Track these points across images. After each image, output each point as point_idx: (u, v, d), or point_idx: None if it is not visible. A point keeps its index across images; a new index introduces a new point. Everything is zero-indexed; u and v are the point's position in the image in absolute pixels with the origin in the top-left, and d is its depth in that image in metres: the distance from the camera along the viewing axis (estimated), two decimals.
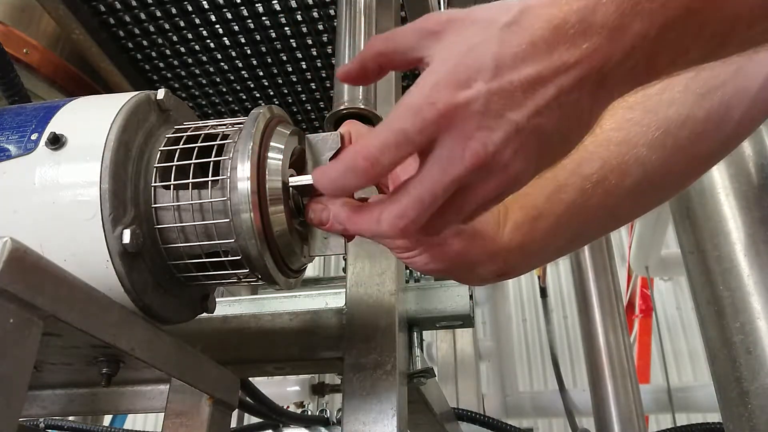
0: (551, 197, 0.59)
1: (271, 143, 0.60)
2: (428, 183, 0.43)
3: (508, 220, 0.58)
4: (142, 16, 1.24)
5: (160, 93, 0.63)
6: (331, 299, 0.87)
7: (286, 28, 1.26)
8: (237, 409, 0.92)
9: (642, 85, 0.43)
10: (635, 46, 0.39)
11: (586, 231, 0.64)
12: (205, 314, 0.69)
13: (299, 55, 1.33)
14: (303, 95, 1.46)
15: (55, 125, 0.57)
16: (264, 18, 1.24)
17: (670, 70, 0.42)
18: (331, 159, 0.59)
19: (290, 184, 0.59)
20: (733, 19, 0.39)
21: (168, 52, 1.33)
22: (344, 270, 0.96)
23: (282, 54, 1.33)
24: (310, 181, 0.56)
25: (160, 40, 1.30)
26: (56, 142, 0.55)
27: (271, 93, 1.45)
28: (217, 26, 1.26)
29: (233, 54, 1.33)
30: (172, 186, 0.58)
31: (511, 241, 0.58)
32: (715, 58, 0.43)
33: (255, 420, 1.72)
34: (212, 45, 1.31)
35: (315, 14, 1.23)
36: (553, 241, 0.61)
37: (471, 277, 0.61)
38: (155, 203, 0.58)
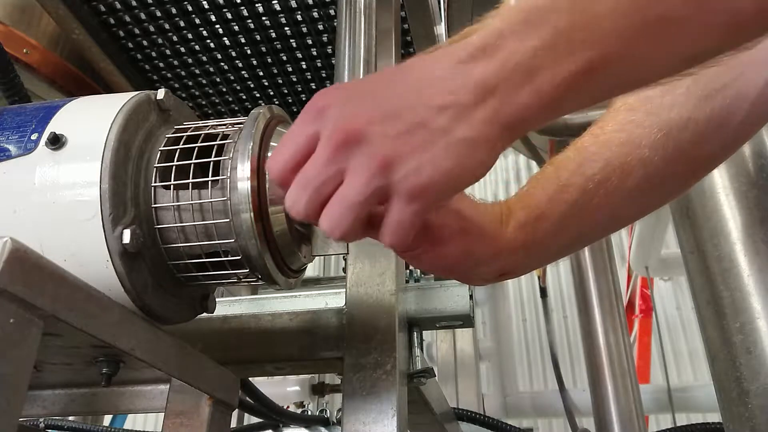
0: (554, 197, 0.59)
1: (271, 143, 0.60)
2: (306, 169, 0.47)
3: (511, 219, 0.59)
4: (142, 16, 1.24)
5: (160, 93, 0.63)
6: (331, 299, 0.87)
7: (286, 28, 1.26)
8: (237, 409, 0.92)
9: (533, 119, 0.45)
10: (508, 60, 0.43)
11: (588, 231, 0.64)
12: (205, 314, 0.69)
13: (299, 55, 1.33)
14: (303, 95, 1.46)
15: (55, 125, 0.57)
16: (264, 18, 1.24)
17: (552, 97, 0.44)
18: None
19: None
20: (599, 37, 0.42)
21: (168, 52, 1.33)
22: (344, 270, 0.96)
23: (282, 54, 1.33)
24: None
25: (160, 40, 1.30)
26: (56, 142, 0.55)
27: (271, 93, 1.45)
28: (217, 26, 1.26)
29: (233, 54, 1.33)
30: (172, 186, 0.58)
31: (514, 240, 0.58)
32: (595, 94, 0.46)
33: (255, 420, 1.72)
34: (212, 45, 1.31)
35: (315, 14, 1.23)
36: (555, 241, 0.61)
37: (473, 277, 0.61)
38: (155, 203, 0.58)
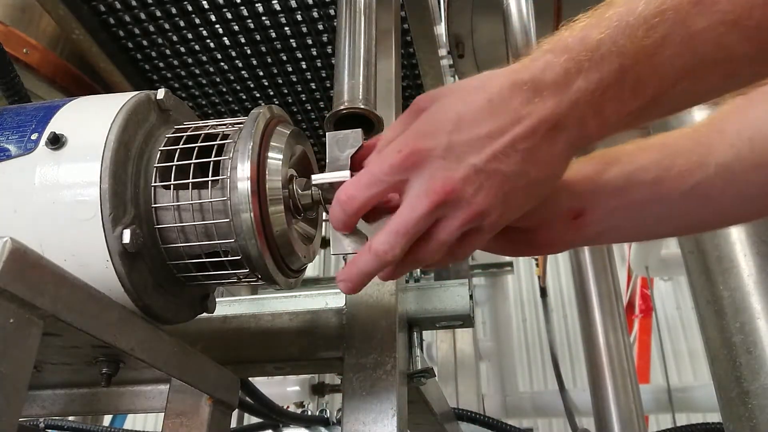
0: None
1: (271, 143, 0.60)
2: (401, 218, 0.51)
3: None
4: (142, 16, 1.24)
5: (160, 93, 0.63)
6: (331, 299, 0.87)
7: (286, 28, 1.26)
8: (237, 409, 0.92)
9: (598, 140, 0.50)
10: (579, 99, 0.46)
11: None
12: (205, 314, 0.69)
13: (299, 55, 1.33)
14: (303, 95, 1.46)
15: (55, 125, 0.57)
16: (264, 18, 1.24)
17: (617, 126, 0.48)
18: (352, 157, 0.59)
19: (314, 181, 0.59)
20: (661, 76, 0.46)
21: (168, 52, 1.33)
22: None
23: (282, 54, 1.33)
24: (333, 179, 0.57)
25: (160, 40, 1.30)
26: (56, 141, 0.55)
27: (271, 93, 1.45)
28: (217, 26, 1.26)
29: (233, 54, 1.33)
30: (172, 186, 0.58)
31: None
32: (652, 118, 0.50)
33: (255, 420, 1.72)
34: (212, 45, 1.31)
35: (315, 14, 1.23)
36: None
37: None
38: (155, 203, 0.58)
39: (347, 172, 0.58)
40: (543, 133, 0.47)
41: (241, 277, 0.61)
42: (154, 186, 0.58)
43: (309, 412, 2.07)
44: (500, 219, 0.51)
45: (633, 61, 0.45)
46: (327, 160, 0.61)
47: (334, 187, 0.58)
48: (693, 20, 0.43)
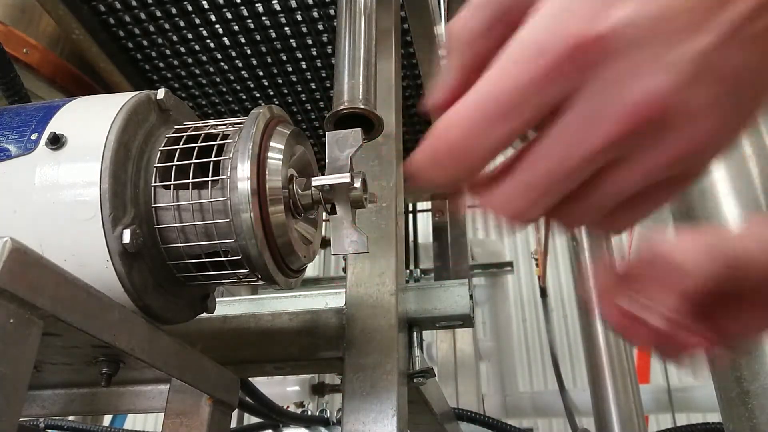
0: None
1: (271, 143, 0.60)
2: (558, 154, 0.28)
3: None
4: (142, 16, 1.24)
5: (160, 93, 0.63)
6: (331, 299, 0.87)
7: (286, 28, 1.26)
8: (237, 409, 0.92)
9: None
10: None
11: None
12: (205, 314, 0.69)
13: (299, 55, 1.33)
14: (303, 95, 1.46)
15: (55, 125, 0.57)
16: (264, 18, 1.24)
17: None
18: (352, 156, 0.60)
19: (315, 183, 0.59)
20: None
21: (168, 52, 1.33)
22: (344, 270, 0.96)
23: (282, 54, 1.33)
24: (334, 181, 0.57)
25: (160, 40, 1.30)
26: (56, 142, 0.55)
27: (271, 93, 1.45)
28: (217, 26, 1.26)
29: (233, 54, 1.33)
30: (172, 186, 0.58)
31: None
32: None
33: (255, 420, 1.72)
34: (212, 45, 1.31)
35: (315, 14, 1.23)
36: None
37: None
38: (155, 203, 0.58)
39: (347, 174, 0.58)
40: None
41: (241, 277, 0.61)
42: (154, 186, 0.58)
43: (309, 412, 2.07)
44: (719, 150, 0.29)
45: None
46: (327, 160, 0.61)
47: (334, 188, 0.58)
48: None
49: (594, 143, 0.27)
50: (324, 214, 0.66)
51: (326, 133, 0.62)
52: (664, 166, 0.29)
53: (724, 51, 0.26)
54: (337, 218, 0.60)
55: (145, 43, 1.30)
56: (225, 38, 1.29)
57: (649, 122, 0.27)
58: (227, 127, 0.62)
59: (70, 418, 1.54)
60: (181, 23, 1.25)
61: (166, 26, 1.26)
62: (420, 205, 2.15)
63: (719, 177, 0.91)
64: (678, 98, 0.26)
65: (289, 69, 1.37)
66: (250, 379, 1.24)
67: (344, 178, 0.57)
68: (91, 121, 0.57)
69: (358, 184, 0.59)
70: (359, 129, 0.61)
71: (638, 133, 0.27)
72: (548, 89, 0.27)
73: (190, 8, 1.22)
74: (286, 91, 1.44)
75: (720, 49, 0.26)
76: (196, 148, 0.59)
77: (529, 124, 0.28)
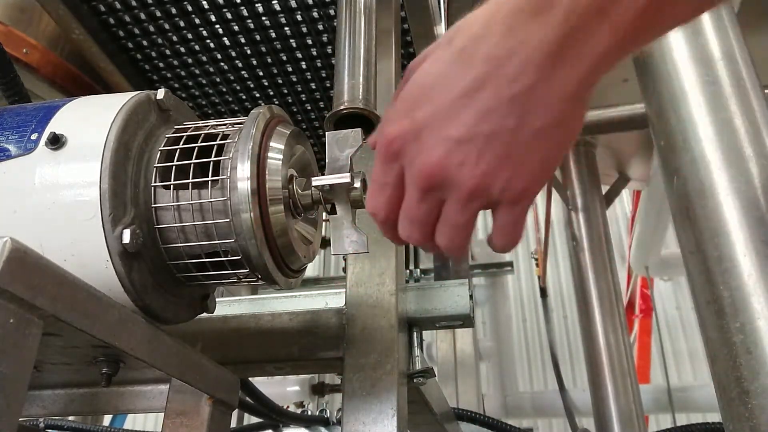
0: None
1: (271, 143, 0.60)
2: (403, 208, 0.47)
3: None
4: (142, 16, 1.24)
5: (160, 93, 0.63)
6: (331, 299, 0.87)
7: (286, 28, 1.26)
8: (237, 409, 0.92)
9: (614, 60, 0.39)
10: (577, 8, 0.36)
11: None
12: (205, 314, 0.69)
13: (299, 55, 1.33)
14: (303, 95, 1.46)
15: (55, 125, 0.57)
16: (264, 18, 1.24)
17: (633, 31, 0.38)
18: (352, 156, 0.60)
19: (315, 183, 0.59)
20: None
21: (168, 52, 1.33)
22: (344, 270, 0.96)
23: (282, 54, 1.33)
24: (334, 181, 0.57)
25: (160, 40, 1.30)
26: (56, 142, 0.55)
27: (271, 93, 1.45)
28: (217, 26, 1.26)
29: (233, 54, 1.33)
30: (172, 186, 0.58)
31: None
32: (672, 21, 0.40)
33: (255, 420, 1.72)
34: (212, 45, 1.31)
35: (315, 14, 1.23)
36: None
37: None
38: (155, 203, 0.58)
39: (347, 174, 0.58)
40: (534, 68, 0.37)
41: (241, 277, 0.61)
42: (154, 186, 0.58)
43: (309, 412, 2.07)
44: (516, 184, 0.41)
45: None
46: (327, 160, 0.61)
47: (334, 188, 0.58)
48: None
49: (415, 197, 0.45)
50: (324, 214, 0.66)
51: (326, 133, 0.63)
52: (464, 205, 0.43)
53: (471, 131, 0.40)
54: (337, 218, 0.60)
55: (145, 43, 1.30)
56: (225, 38, 1.29)
57: (432, 185, 0.43)
58: (227, 127, 0.62)
59: (70, 418, 1.54)
60: (181, 23, 1.25)
61: (166, 26, 1.26)
62: None
63: (719, 177, 0.91)
64: (441, 169, 0.42)
65: (289, 69, 1.37)
66: (250, 379, 1.24)
67: (344, 178, 0.57)
68: (91, 121, 0.57)
69: (357, 184, 0.59)
70: (359, 129, 0.61)
71: (431, 191, 0.44)
72: (388, 177, 0.46)
73: (190, 8, 1.22)
74: (286, 91, 1.44)
75: (468, 131, 0.40)
76: (196, 148, 0.59)
77: (395, 191, 0.46)
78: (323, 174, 0.61)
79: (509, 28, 0.38)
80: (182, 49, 1.32)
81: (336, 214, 0.60)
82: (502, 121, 0.39)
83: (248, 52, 1.32)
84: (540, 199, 2.57)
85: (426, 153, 0.42)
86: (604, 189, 2.39)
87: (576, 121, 0.41)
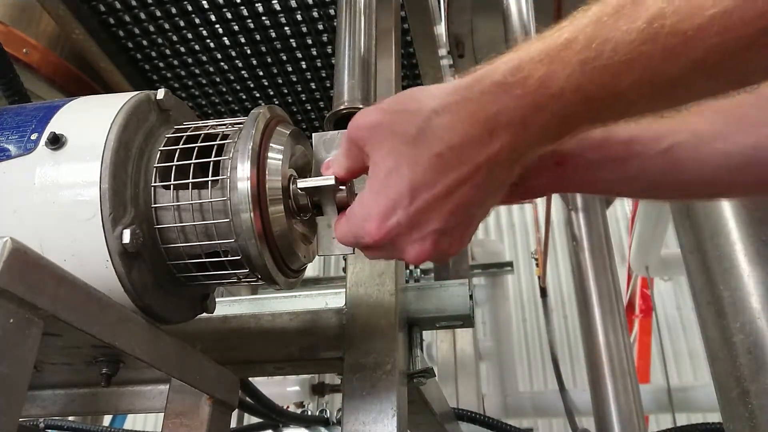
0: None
1: (271, 143, 0.60)
2: (382, 256, 0.56)
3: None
4: (142, 16, 1.24)
5: (160, 93, 0.63)
6: (331, 299, 0.87)
7: (286, 28, 1.26)
8: (237, 409, 0.92)
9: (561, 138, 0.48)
10: (536, 132, 0.45)
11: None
12: (205, 314, 0.69)
13: (299, 55, 1.33)
14: (303, 95, 1.46)
15: (55, 125, 0.57)
16: (264, 18, 1.24)
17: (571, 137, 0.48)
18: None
19: (300, 186, 0.59)
20: (627, 104, 0.44)
21: (168, 52, 1.33)
22: (344, 270, 0.96)
23: (282, 54, 1.33)
24: (319, 183, 0.56)
25: (160, 40, 1.30)
26: (56, 141, 0.55)
27: (271, 93, 1.45)
28: (217, 26, 1.26)
29: (233, 54, 1.33)
30: (172, 186, 0.58)
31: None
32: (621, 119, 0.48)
33: (255, 420, 1.72)
34: (212, 45, 1.31)
35: (315, 14, 1.23)
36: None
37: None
38: (155, 203, 0.58)
39: (332, 178, 0.57)
40: (500, 165, 0.47)
41: (241, 277, 0.61)
42: (154, 186, 0.58)
43: (309, 412, 2.07)
44: (457, 248, 0.53)
45: (599, 101, 0.43)
46: (313, 162, 0.61)
47: (320, 190, 0.58)
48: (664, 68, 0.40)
49: (406, 260, 0.54)
50: None
51: (312, 134, 0.62)
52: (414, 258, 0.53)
53: (453, 219, 0.50)
54: (324, 220, 0.60)
55: (145, 43, 1.30)
56: (225, 38, 1.29)
57: (422, 260, 0.52)
58: (227, 127, 0.62)
59: (70, 418, 1.54)
60: (181, 23, 1.25)
61: (166, 26, 1.26)
62: None
63: None
64: (432, 251, 0.51)
65: (289, 69, 1.37)
66: (250, 379, 1.24)
67: (329, 180, 0.57)
68: (91, 121, 0.57)
69: (343, 185, 0.58)
70: (345, 130, 0.61)
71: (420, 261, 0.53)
72: (381, 253, 0.56)
73: (190, 8, 1.22)
74: (286, 91, 1.44)
75: (450, 219, 0.50)
76: (196, 148, 0.59)
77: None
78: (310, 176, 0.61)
79: (483, 141, 0.46)
80: (182, 49, 1.32)
81: (322, 215, 0.60)
82: (473, 204, 0.50)
83: (248, 52, 1.32)
84: (540, 199, 2.57)
85: (419, 245, 0.51)
86: None
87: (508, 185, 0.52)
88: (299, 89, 1.44)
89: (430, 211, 0.49)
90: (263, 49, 1.31)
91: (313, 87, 1.43)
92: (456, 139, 0.47)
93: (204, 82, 1.41)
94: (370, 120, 0.52)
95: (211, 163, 0.58)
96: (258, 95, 1.45)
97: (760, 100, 0.57)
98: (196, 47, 1.31)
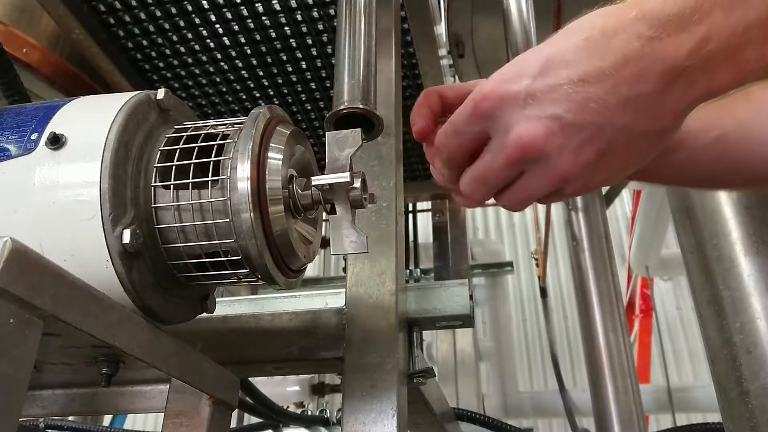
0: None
1: (271, 143, 0.60)
2: (479, 168, 0.47)
3: None
4: (142, 16, 1.24)
5: (160, 93, 0.63)
6: (331, 299, 0.87)
7: (286, 28, 1.26)
8: (237, 409, 0.92)
9: (728, 90, 0.41)
10: (711, 40, 0.37)
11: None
12: (205, 314, 0.69)
13: (299, 55, 1.33)
14: (303, 95, 1.46)
15: (55, 125, 0.57)
16: (264, 18, 1.24)
17: (755, 74, 0.40)
18: (351, 156, 0.60)
19: (314, 183, 0.59)
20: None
21: (168, 52, 1.33)
22: (344, 270, 0.96)
23: (282, 54, 1.33)
24: (333, 180, 0.57)
25: (160, 40, 1.30)
26: (56, 141, 0.55)
27: (271, 93, 1.45)
28: (217, 26, 1.26)
29: (233, 54, 1.33)
30: (172, 186, 0.58)
31: None
32: None
33: (255, 420, 1.72)
34: (212, 45, 1.31)
35: (315, 14, 1.23)
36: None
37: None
38: (155, 203, 0.58)
39: (347, 174, 0.58)
40: (656, 78, 0.39)
41: (241, 277, 0.61)
42: (154, 186, 0.58)
43: (309, 412, 2.07)
44: (595, 182, 0.45)
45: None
46: (326, 160, 0.61)
47: (333, 187, 0.58)
48: None
49: (499, 163, 0.45)
50: (324, 214, 0.66)
51: (326, 133, 0.62)
52: (545, 187, 0.45)
53: (580, 116, 0.40)
54: (337, 218, 0.60)
55: (145, 43, 1.30)
56: (225, 38, 1.29)
57: (524, 158, 0.43)
58: (227, 127, 0.62)
59: (70, 418, 1.54)
60: (181, 23, 1.25)
61: (166, 26, 1.26)
62: (420, 205, 2.15)
63: None
64: (541, 146, 0.42)
65: (289, 69, 1.37)
66: (250, 379, 1.24)
67: (344, 177, 0.57)
68: (91, 121, 0.57)
69: (357, 183, 0.59)
70: (359, 129, 0.61)
71: (520, 162, 0.44)
72: (470, 128, 0.47)
73: (190, 8, 1.22)
74: (286, 91, 1.44)
75: (577, 114, 0.40)
76: (196, 148, 0.59)
77: (470, 141, 0.48)
78: (323, 174, 0.61)
79: (639, 33, 0.39)
80: (182, 49, 1.32)
81: (335, 214, 0.60)
82: (612, 117, 0.40)
83: (248, 52, 1.32)
84: None
85: (527, 125, 0.42)
86: (604, 189, 2.39)
87: (670, 134, 0.43)
88: (299, 89, 1.44)
89: (558, 91, 0.40)
90: (263, 49, 1.31)
91: (313, 87, 1.43)
92: (611, 23, 0.40)
93: (204, 82, 1.41)
94: (505, 89, 0.44)
95: (211, 163, 0.58)
96: (258, 95, 1.45)
97: None
98: (196, 47, 1.31)
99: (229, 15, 1.23)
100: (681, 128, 0.49)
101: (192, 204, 0.58)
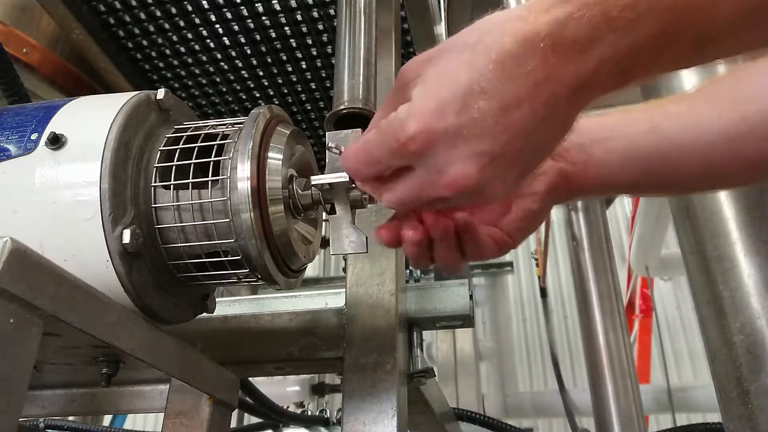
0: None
1: (271, 143, 0.60)
2: (405, 192, 0.48)
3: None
4: (142, 16, 1.24)
5: (160, 93, 0.63)
6: (331, 299, 0.87)
7: (286, 28, 1.26)
8: (237, 409, 0.92)
9: (618, 90, 0.44)
10: (607, 60, 0.40)
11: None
12: (205, 314, 0.69)
13: (299, 55, 1.33)
14: (303, 95, 1.46)
15: (55, 125, 0.57)
16: (264, 18, 1.24)
17: (643, 77, 0.44)
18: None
19: (313, 182, 0.59)
20: (706, 31, 0.40)
21: (168, 52, 1.33)
22: (344, 270, 0.96)
23: (282, 54, 1.33)
24: (333, 180, 0.57)
25: (160, 40, 1.30)
26: (56, 141, 0.55)
27: (271, 93, 1.45)
28: (217, 26, 1.26)
29: (233, 54, 1.33)
30: (172, 186, 0.58)
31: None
32: (691, 65, 0.46)
33: (255, 420, 1.72)
34: (212, 45, 1.31)
35: (315, 14, 1.23)
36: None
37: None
38: (155, 203, 0.58)
39: (345, 175, 0.58)
40: (565, 97, 0.41)
41: (241, 277, 0.61)
42: (154, 186, 0.58)
43: (309, 412, 2.07)
44: (511, 190, 0.47)
45: (676, 18, 0.39)
46: (326, 160, 0.61)
47: (333, 187, 0.58)
48: None
49: (431, 197, 0.46)
50: (324, 213, 0.66)
51: (326, 133, 0.62)
52: (464, 206, 0.54)
53: (507, 146, 0.42)
54: (337, 218, 0.60)
55: (145, 43, 1.30)
56: (225, 38, 1.29)
57: (459, 193, 0.44)
58: (227, 127, 0.62)
59: (70, 418, 1.54)
60: (181, 23, 1.25)
61: (166, 26, 1.26)
62: None
63: None
64: (475, 183, 0.43)
65: (289, 69, 1.37)
66: (250, 379, 1.24)
67: (344, 177, 0.57)
68: (91, 121, 0.57)
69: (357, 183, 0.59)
70: (359, 129, 0.61)
71: (451, 198, 0.45)
72: (391, 162, 0.47)
73: (190, 8, 1.22)
74: (286, 91, 1.44)
75: (504, 146, 0.42)
76: (196, 148, 0.59)
77: (385, 171, 0.48)
78: (323, 174, 0.61)
79: (546, 58, 0.40)
80: (182, 49, 1.32)
81: (335, 214, 0.60)
82: (531, 138, 0.43)
83: (248, 52, 1.32)
84: None
85: (460, 166, 0.43)
86: None
87: (568, 131, 0.46)
88: (299, 89, 1.44)
89: (482, 125, 0.41)
90: (263, 49, 1.31)
91: (313, 87, 1.43)
92: (517, 45, 0.40)
93: (204, 82, 1.41)
94: (422, 56, 0.45)
95: (211, 163, 0.58)
96: (258, 95, 1.45)
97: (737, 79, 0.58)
98: (196, 47, 1.31)
99: (229, 15, 1.23)
100: (613, 124, 0.58)
101: (192, 204, 0.58)
